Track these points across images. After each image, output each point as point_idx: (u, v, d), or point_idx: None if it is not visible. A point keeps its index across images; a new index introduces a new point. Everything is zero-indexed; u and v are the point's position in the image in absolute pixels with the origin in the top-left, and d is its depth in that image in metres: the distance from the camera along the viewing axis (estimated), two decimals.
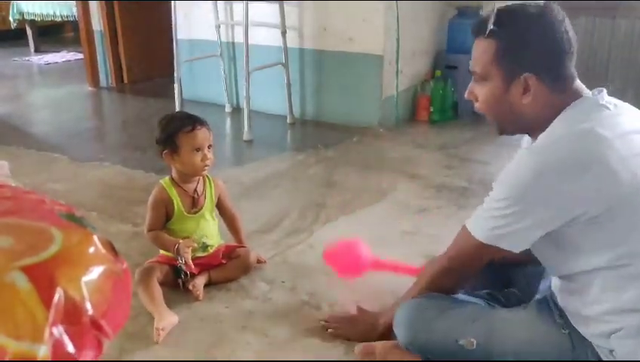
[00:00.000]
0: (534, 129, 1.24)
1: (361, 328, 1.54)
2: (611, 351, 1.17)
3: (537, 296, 1.36)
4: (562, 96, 1.19)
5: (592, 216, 1.11)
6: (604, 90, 1.21)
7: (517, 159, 1.20)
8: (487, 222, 1.21)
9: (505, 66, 1.19)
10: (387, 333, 1.46)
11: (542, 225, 1.15)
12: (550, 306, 1.28)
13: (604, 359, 1.18)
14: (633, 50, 3.45)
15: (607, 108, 1.17)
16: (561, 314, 1.25)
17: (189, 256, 1.74)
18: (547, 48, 1.17)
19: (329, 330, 1.58)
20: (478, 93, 1.26)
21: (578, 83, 1.22)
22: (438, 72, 3.62)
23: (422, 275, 1.45)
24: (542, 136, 1.19)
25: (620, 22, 3.46)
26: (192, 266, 1.75)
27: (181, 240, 1.76)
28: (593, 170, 1.09)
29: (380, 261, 1.79)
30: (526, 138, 1.34)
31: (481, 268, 1.34)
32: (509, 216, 1.16)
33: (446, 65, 3.68)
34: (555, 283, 1.30)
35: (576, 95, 1.20)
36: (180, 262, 1.75)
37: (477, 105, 1.28)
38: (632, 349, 1.15)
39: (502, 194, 1.18)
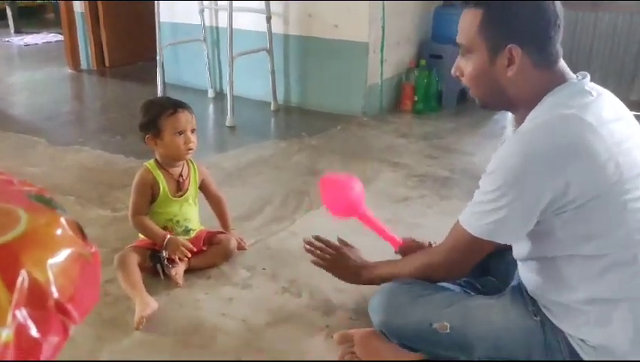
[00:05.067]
0: (518, 106, 1.22)
1: (344, 269, 1.54)
2: (582, 340, 1.17)
3: (513, 283, 1.36)
4: (547, 74, 1.18)
5: (579, 204, 1.10)
6: (588, 75, 1.20)
7: (504, 147, 1.17)
8: (479, 216, 1.19)
9: (490, 36, 1.17)
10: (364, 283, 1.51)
11: (533, 213, 1.13)
12: (523, 293, 1.28)
13: (575, 347, 1.18)
14: (615, 44, 3.48)
15: (591, 94, 1.16)
16: (533, 301, 1.25)
17: (176, 256, 1.74)
18: (534, 19, 1.15)
19: (312, 258, 1.57)
20: (464, 67, 1.24)
21: (563, 64, 1.20)
22: (422, 61, 3.62)
23: (412, 259, 1.42)
24: (528, 120, 1.17)
25: (603, 15, 3.48)
26: (177, 261, 1.75)
27: (169, 236, 1.76)
28: (582, 157, 1.08)
29: (367, 215, 1.68)
30: (509, 127, 1.34)
31: (476, 262, 1.30)
32: (503, 208, 1.13)
33: (430, 54, 3.68)
34: (523, 269, 1.29)
35: (562, 77, 1.18)
36: (164, 254, 1.74)
37: (463, 80, 1.26)
38: (602, 339, 1.16)
39: (492, 185, 1.15)
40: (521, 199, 1.12)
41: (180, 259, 1.76)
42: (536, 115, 1.16)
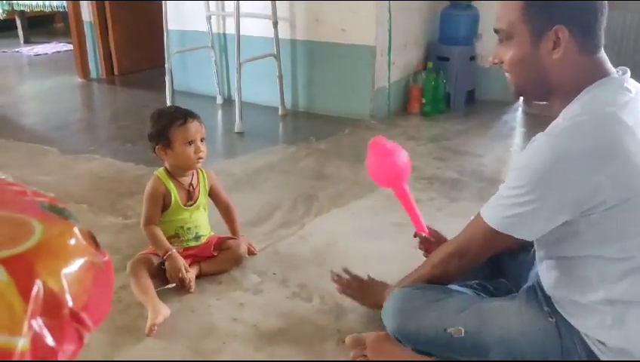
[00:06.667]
0: (557, 95, 1.18)
1: (371, 296, 1.55)
2: (601, 342, 1.16)
3: (527, 284, 1.35)
4: (590, 61, 1.14)
5: (608, 207, 1.07)
6: (628, 71, 1.17)
7: (536, 143, 1.13)
8: (501, 209, 1.17)
9: (534, 18, 1.12)
10: None
11: (557, 214, 1.11)
12: (538, 294, 1.27)
13: (592, 347, 1.17)
14: (624, 42, 3.46)
15: (630, 91, 1.12)
16: (548, 302, 1.25)
17: (174, 275, 1.74)
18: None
19: (337, 287, 1.61)
20: (504, 55, 1.19)
21: (604, 54, 1.17)
22: (429, 64, 3.62)
23: (428, 259, 1.43)
24: (563, 117, 1.13)
25: (612, 14, 3.46)
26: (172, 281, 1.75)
27: (171, 252, 1.75)
28: (613, 161, 1.05)
29: (406, 192, 1.65)
30: (519, 128, 1.32)
31: (489, 255, 1.31)
32: (525, 204, 1.12)
33: (438, 56, 3.68)
34: (543, 267, 1.28)
35: (603, 70, 1.15)
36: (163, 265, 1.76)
37: (502, 67, 1.21)
38: (618, 342, 1.15)
39: (518, 181, 1.13)
40: (544, 199, 1.10)
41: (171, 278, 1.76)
42: (573, 112, 1.12)
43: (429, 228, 1.68)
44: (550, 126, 1.15)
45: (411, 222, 1.68)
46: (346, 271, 1.65)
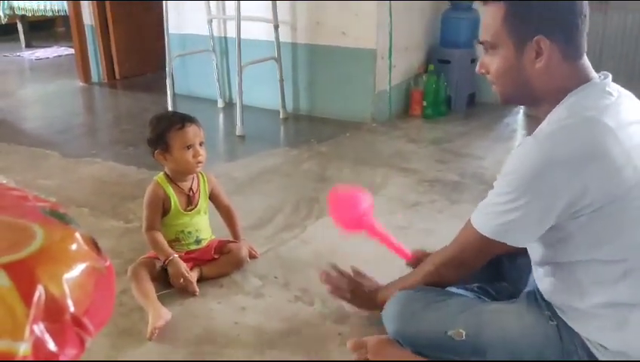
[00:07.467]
0: (542, 101, 1.20)
1: (360, 297, 1.54)
2: (602, 346, 1.16)
3: (527, 288, 1.35)
4: (573, 67, 1.16)
5: (595, 208, 1.09)
6: (610, 75, 1.19)
7: (521, 149, 1.15)
8: (492, 216, 1.18)
9: (515, 30, 1.15)
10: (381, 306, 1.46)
11: (548, 217, 1.12)
12: (538, 299, 1.28)
13: (593, 351, 1.17)
14: (625, 44, 3.46)
15: (611, 95, 1.14)
16: (549, 307, 1.25)
17: (177, 280, 1.74)
18: (560, 9, 1.13)
19: (327, 287, 1.59)
20: (489, 64, 1.22)
21: (587, 60, 1.18)
22: (431, 67, 3.62)
23: (422, 266, 1.43)
24: (547, 122, 1.16)
25: (612, 15, 3.46)
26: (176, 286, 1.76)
27: (173, 257, 1.75)
28: (598, 161, 1.07)
29: (376, 228, 1.70)
30: (520, 131, 1.32)
31: (485, 263, 1.31)
32: (515, 210, 1.13)
33: (439, 59, 3.68)
34: (539, 273, 1.28)
35: (585, 75, 1.17)
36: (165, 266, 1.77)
37: (488, 77, 1.23)
38: (619, 345, 1.15)
39: (507, 187, 1.15)
40: (535, 203, 1.11)
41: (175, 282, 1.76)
42: (557, 117, 1.14)
43: (413, 252, 1.67)
44: (535, 131, 1.17)
45: (396, 254, 1.68)
46: (335, 268, 1.62)
